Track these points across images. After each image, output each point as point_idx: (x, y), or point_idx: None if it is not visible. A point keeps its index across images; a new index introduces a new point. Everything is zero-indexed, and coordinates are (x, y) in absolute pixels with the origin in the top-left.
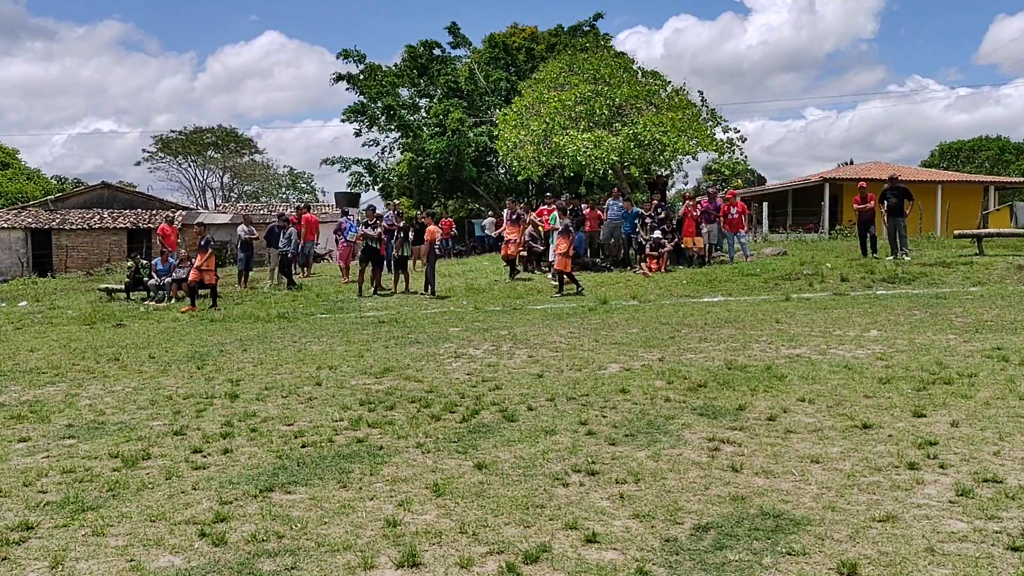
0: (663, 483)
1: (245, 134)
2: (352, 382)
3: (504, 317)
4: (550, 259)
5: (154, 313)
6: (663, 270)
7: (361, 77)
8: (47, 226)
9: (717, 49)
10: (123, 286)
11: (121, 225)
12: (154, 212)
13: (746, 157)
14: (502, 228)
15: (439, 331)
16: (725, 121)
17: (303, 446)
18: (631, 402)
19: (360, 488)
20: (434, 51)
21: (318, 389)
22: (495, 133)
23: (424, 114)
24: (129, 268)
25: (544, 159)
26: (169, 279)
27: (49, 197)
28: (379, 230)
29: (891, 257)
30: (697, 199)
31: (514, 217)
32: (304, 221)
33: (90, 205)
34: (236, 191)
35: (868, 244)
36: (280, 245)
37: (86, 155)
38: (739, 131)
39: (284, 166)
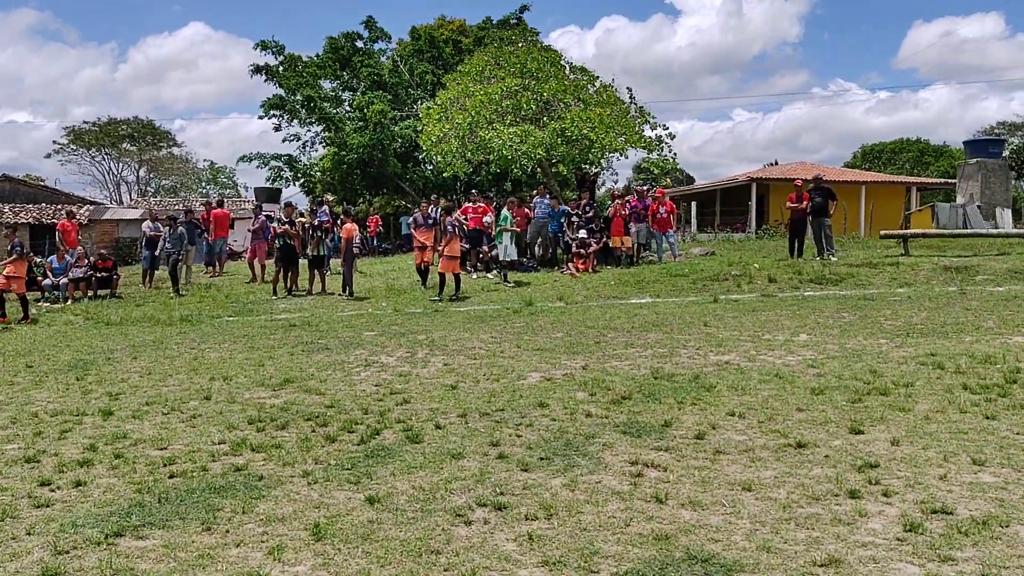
0: (579, 519)
1: (163, 126)
2: (245, 396)
3: (424, 320)
4: (491, 257)
5: (47, 315)
6: (591, 270)
7: (281, 69)
8: None
9: (648, 50)
10: None
11: (23, 220)
12: (59, 207)
13: (675, 155)
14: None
15: (352, 336)
16: (654, 118)
17: (171, 476)
18: (549, 418)
19: (227, 531)
20: (356, 43)
21: (205, 404)
22: (419, 127)
23: (348, 107)
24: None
25: (470, 154)
26: (65, 279)
27: None
28: (295, 228)
29: (817, 258)
30: (626, 198)
31: (429, 221)
32: (213, 217)
33: None
34: (153, 185)
35: (797, 245)
36: (167, 247)
37: (1, 147)
38: (668, 128)
39: (204, 160)
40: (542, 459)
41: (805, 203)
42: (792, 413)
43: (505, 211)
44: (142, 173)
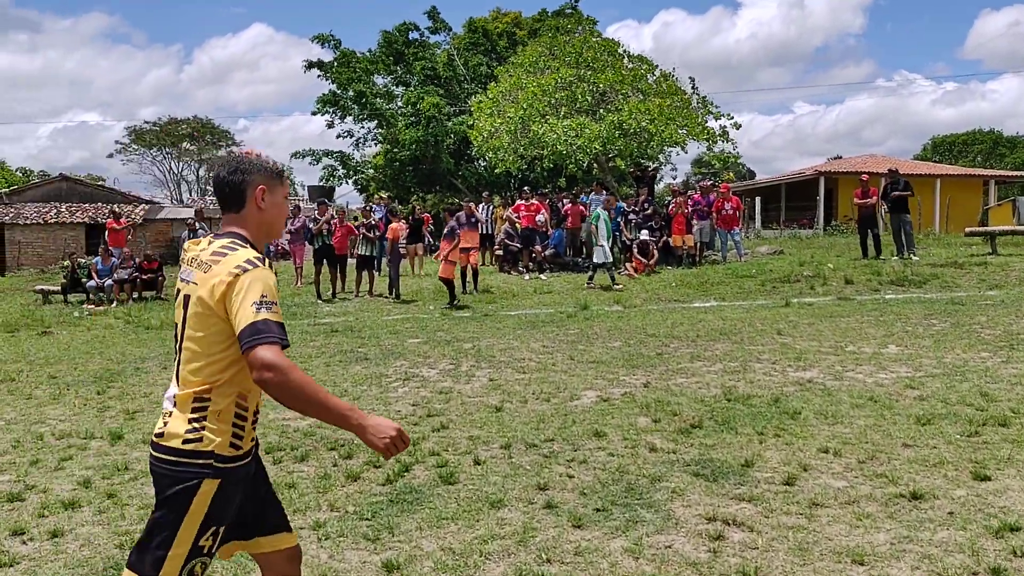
0: None
1: (222, 125)
2: (271, 416)
3: (472, 325)
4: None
5: (88, 319)
6: (650, 271)
7: (335, 64)
8: None
9: (706, 43)
10: (60, 288)
11: (79, 220)
12: (113, 205)
13: (736, 149)
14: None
15: (395, 343)
16: (717, 108)
17: None
18: (607, 452)
19: None
20: (411, 34)
21: None
22: (471, 122)
23: (400, 103)
24: (65, 268)
25: (522, 149)
26: (110, 280)
27: (3, 190)
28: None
29: (897, 257)
30: (688, 194)
31: (473, 220)
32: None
33: (48, 199)
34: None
35: (871, 243)
36: None
37: (71, 147)
38: (732, 118)
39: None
40: (598, 511)
41: (874, 198)
42: (897, 450)
43: (600, 210)
44: (202, 172)
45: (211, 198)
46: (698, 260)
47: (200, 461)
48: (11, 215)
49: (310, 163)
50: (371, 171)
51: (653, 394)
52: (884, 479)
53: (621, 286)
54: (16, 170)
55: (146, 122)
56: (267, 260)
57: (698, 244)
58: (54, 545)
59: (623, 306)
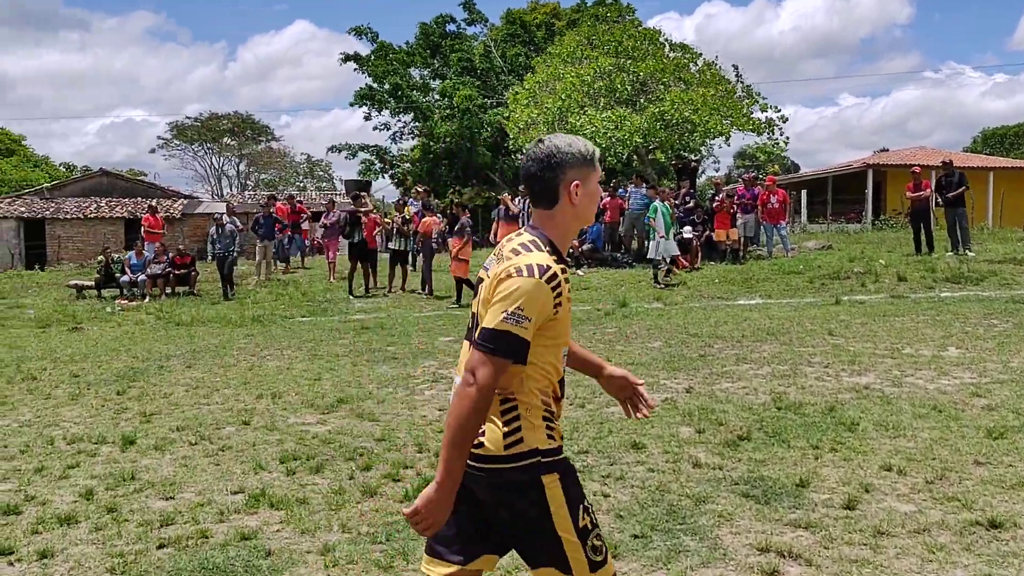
0: None
1: (262, 120)
2: (290, 420)
3: None
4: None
5: (120, 314)
6: (692, 267)
7: (372, 58)
8: (40, 215)
9: (749, 35)
10: (93, 283)
11: (118, 214)
12: (154, 201)
13: (787, 140)
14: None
15: (425, 342)
16: (764, 99)
17: (160, 545)
18: (646, 468)
19: None
20: (447, 26)
21: (240, 432)
22: (507, 114)
23: (437, 96)
24: (100, 262)
25: None
26: (143, 275)
27: (45, 185)
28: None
29: (952, 253)
30: (732, 186)
31: (457, 227)
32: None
33: (88, 193)
34: (253, 179)
35: (923, 238)
36: (217, 248)
37: (119, 144)
38: (779, 110)
39: (302, 153)
40: (637, 537)
41: (927, 191)
42: (969, 468)
43: (658, 202)
44: (242, 167)
45: (250, 192)
46: (742, 255)
47: (528, 462)
48: (51, 210)
49: (346, 157)
50: (407, 165)
51: (696, 400)
52: (956, 503)
53: (663, 285)
54: (60, 165)
55: (187, 117)
56: (560, 268)
57: (742, 239)
58: (41, 567)
59: (664, 303)
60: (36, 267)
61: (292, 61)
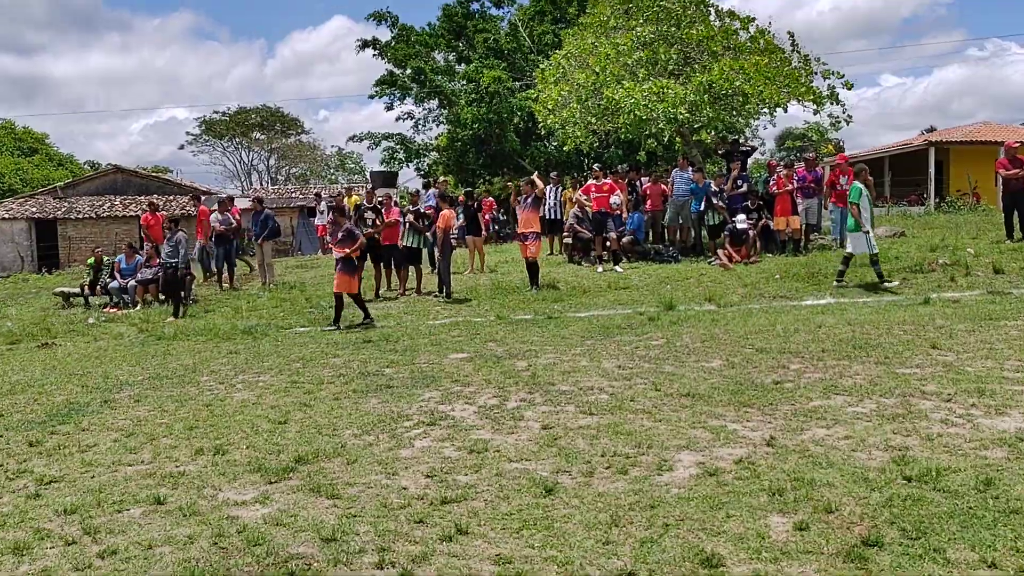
0: None
1: (291, 114)
2: (221, 495)
3: (532, 332)
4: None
5: (103, 325)
6: (747, 260)
7: (393, 43)
8: (52, 215)
9: (787, 16)
10: (79, 289)
11: (132, 213)
12: (170, 198)
13: (850, 116)
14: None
15: (432, 361)
16: (825, 65)
17: None
18: None
19: None
20: (471, 6)
21: (147, 519)
22: (535, 94)
23: (463, 81)
24: (89, 266)
25: (593, 119)
26: (132, 281)
27: (58, 184)
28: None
29: None
30: (794, 166)
31: (530, 201)
32: (201, 215)
33: (102, 192)
34: (283, 173)
35: (1018, 222)
36: (163, 255)
37: (161, 142)
38: (843, 76)
39: (332, 146)
40: None
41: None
42: None
43: (859, 183)
44: (272, 161)
45: (278, 187)
46: (804, 245)
47: None
48: (63, 210)
49: (368, 147)
50: (434, 154)
51: (783, 462)
52: None
53: (896, 283)
54: (84, 163)
55: (215, 112)
56: None
57: (803, 226)
58: None
59: (717, 304)
60: (43, 270)
61: (330, 57)
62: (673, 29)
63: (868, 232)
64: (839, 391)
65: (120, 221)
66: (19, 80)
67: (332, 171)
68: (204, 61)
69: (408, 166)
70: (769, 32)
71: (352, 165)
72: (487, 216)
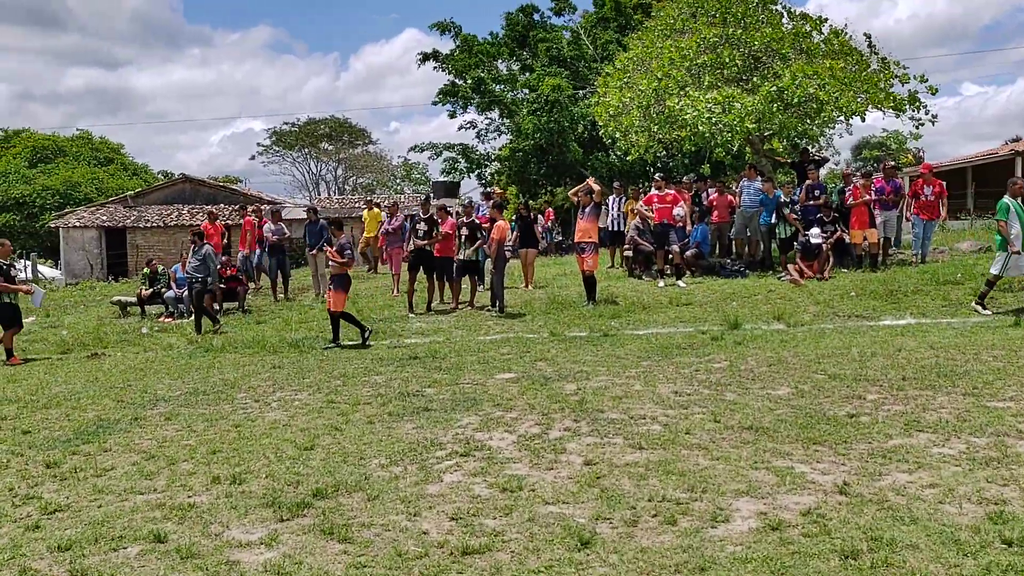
0: None
1: (359, 124)
2: (228, 534)
3: (586, 351)
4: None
5: (154, 336)
6: (820, 275)
7: (456, 53)
8: (121, 224)
9: (864, 23)
10: (136, 299)
11: (199, 221)
12: (236, 207)
13: (934, 117)
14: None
15: (476, 382)
16: (905, 69)
17: None
18: None
19: None
20: (534, 16)
21: (142, 560)
22: (597, 100)
23: (525, 90)
24: (144, 276)
25: (657, 128)
26: (185, 292)
27: (129, 192)
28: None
29: None
30: (872, 176)
31: (587, 210)
32: (246, 225)
33: (171, 201)
34: (351, 183)
35: None
36: (188, 270)
37: (238, 153)
38: (926, 79)
39: (399, 156)
40: None
41: None
42: None
43: (1009, 199)
44: (339, 172)
45: (342, 197)
46: (882, 261)
47: None
48: (132, 218)
49: (429, 157)
50: (496, 164)
51: (858, 515)
52: None
53: (990, 313)
54: (157, 173)
55: (285, 123)
56: None
57: (881, 240)
58: None
59: (786, 323)
60: (110, 278)
61: (402, 69)
62: (740, 32)
63: (1014, 255)
64: (922, 427)
65: (187, 230)
66: (105, 93)
67: (399, 181)
68: (281, 74)
69: (470, 176)
70: (845, 33)
71: (418, 175)
72: (539, 228)
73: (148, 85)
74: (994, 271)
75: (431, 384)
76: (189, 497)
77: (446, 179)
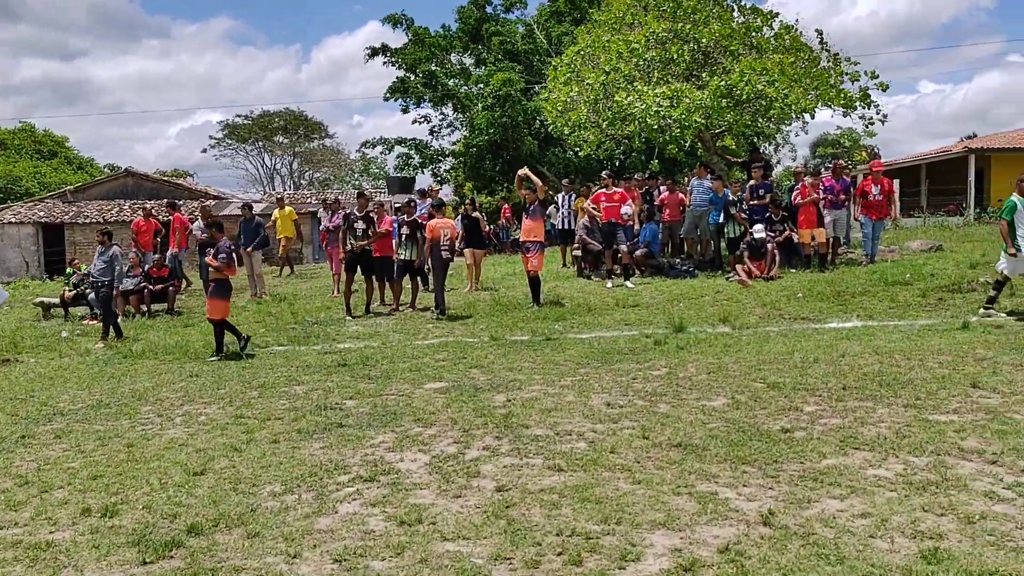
0: None
1: (315, 118)
2: None
3: (525, 357)
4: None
5: (77, 340)
6: (767, 275)
7: (408, 47)
8: (59, 220)
9: (824, 21)
10: (59, 301)
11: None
12: (181, 203)
13: (885, 116)
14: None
15: (402, 392)
16: (856, 65)
17: None
18: None
19: None
20: (486, 8)
21: None
22: (545, 95)
23: (479, 85)
24: (67, 276)
25: (606, 124)
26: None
27: (68, 187)
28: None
29: None
30: (820, 175)
31: (532, 208)
32: (176, 223)
33: (113, 196)
34: (306, 177)
35: None
36: (93, 272)
37: (196, 146)
38: (877, 76)
39: (356, 150)
40: None
41: None
42: None
43: (1017, 197)
44: (295, 166)
45: (294, 193)
46: (830, 261)
47: None
48: (72, 214)
49: (381, 152)
50: (450, 160)
51: (781, 552)
52: None
53: (1001, 316)
54: (104, 166)
55: (238, 115)
56: None
57: (830, 240)
58: None
59: (732, 326)
60: (44, 277)
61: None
62: (689, 27)
63: (1016, 254)
64: (859, 444)
65: (127, 226)
66: (60, 84)
67: (356, 176)
68: (241, 66)
69: (424, 172)
70: (795, 29)
71: (376, 170)
72: (496, 227)
73: (105, 77)
74: (1003, 271)
75: (354, 395)
76: (51, 533)
77: (400, 175)
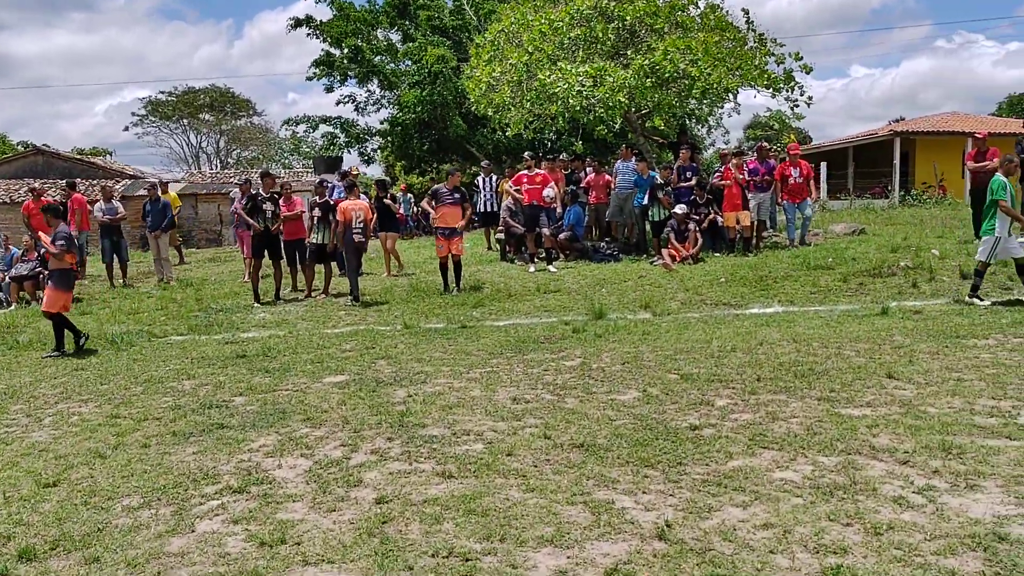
0: None
1: (242, 95)
2: None
3: (436, 347)
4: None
5: None
6: (691, 259)
7: (333, 21)
8: None
9: (757, 5)
10: None
11: (50, 198)
12: (93, 182)
13: (810, 98)
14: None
15: (298, 386)
16: (782, 47)
17: None
18: None
19: None
20: None
21: None
22: (468, 73)
23: (408, 62)
24: None
25: (530, 104)
26: (5, 277)
27: None
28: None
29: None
30: (743, 158)
31: (456, 196)
32: (75, 204)
33: (21, 175)
34: (234, 156)
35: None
36: None
37: (124, 123)
38: (801, 58)
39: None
40: None
41: (994, 161)
42: None
43: (1000, 175)
44: (222, 144)
45: (214, 172)
46: (755, 245)
47: None
48: None
49: (305, 131)
50: (377, 139)
51: (674, 573)
52: None
53: (987, 303)
54: (17, 144)
55: (161, 92)
56: None
57: (755, 223)
58: None
59: (653, 312)
60: None
61: (300, 38)
62: (613, 5)
63: (998, 238)
64: (768, 443)
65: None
66: None
67: (287, 155)
68: (170, 41)
69: (350, 151)
70: (721, 8)
71: (308, 149)
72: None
73: (27, 51)
74: (981, 258)
75: (245, 391)
76: None
77: (327, 154)
